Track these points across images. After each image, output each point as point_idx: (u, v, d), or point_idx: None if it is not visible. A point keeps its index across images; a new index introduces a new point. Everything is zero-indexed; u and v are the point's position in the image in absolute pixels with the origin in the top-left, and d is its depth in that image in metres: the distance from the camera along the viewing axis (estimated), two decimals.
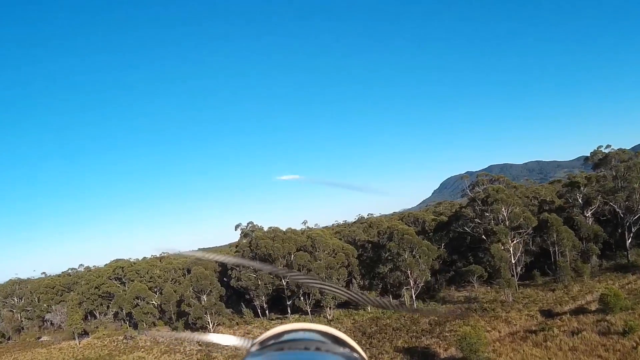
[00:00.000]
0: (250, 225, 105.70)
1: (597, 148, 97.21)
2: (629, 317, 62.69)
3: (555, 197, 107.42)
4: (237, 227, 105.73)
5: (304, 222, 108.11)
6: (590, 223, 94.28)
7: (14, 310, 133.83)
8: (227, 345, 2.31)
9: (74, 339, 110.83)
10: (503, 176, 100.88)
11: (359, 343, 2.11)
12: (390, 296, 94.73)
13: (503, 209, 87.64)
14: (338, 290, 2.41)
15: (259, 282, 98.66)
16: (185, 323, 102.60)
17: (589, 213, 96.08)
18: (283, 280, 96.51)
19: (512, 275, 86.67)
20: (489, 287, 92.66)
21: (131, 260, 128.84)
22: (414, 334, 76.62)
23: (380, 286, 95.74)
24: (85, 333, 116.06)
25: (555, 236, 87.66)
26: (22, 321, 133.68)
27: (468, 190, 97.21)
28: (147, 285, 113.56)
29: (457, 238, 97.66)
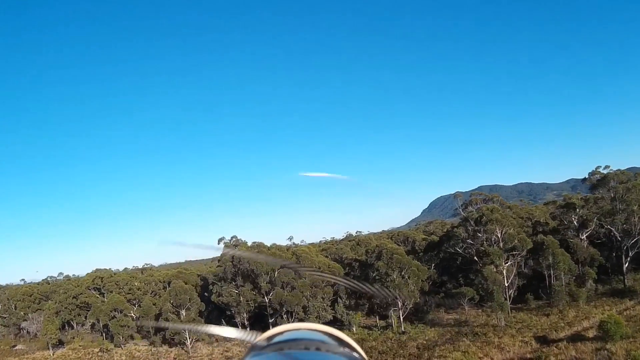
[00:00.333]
0: (234, 239, 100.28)
1: (596, 168, 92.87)
2: (630, 346, 58.41)
3: (549, 219, 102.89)
4: (220, 240, 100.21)
5: (290, 238, 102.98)
6: (585, 246, 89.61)
7: None
8: (231, 338, 2.43)
9: (49, 349, 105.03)
10: (497, 195, 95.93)
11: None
12: (377, 317, 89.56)
13: (497, 230, 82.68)
14: (347, 282, 2.66)
15: (241, 299, 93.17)
16: (163, 338, 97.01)
17: (584, 236, 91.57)
18: (266, 298, 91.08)
19: (505, 299, 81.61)
20: (480, 310, 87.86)
21: (112, 271, 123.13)
22: (401, 358, 71.42)
23: (367, 306, 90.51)
24: (60, 343, 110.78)
25: (551, 259, 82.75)
26: None
27: (461, 210, 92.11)
28: (125, 297, 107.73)
29: (448, 259, 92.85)
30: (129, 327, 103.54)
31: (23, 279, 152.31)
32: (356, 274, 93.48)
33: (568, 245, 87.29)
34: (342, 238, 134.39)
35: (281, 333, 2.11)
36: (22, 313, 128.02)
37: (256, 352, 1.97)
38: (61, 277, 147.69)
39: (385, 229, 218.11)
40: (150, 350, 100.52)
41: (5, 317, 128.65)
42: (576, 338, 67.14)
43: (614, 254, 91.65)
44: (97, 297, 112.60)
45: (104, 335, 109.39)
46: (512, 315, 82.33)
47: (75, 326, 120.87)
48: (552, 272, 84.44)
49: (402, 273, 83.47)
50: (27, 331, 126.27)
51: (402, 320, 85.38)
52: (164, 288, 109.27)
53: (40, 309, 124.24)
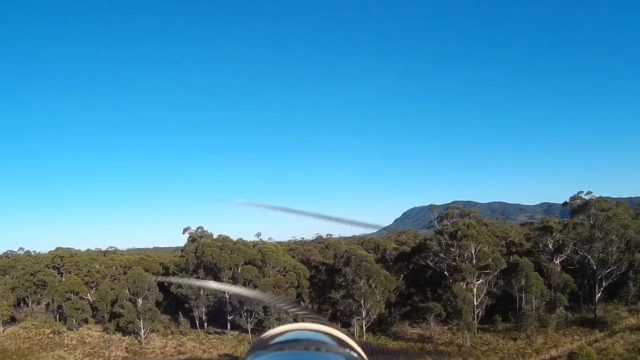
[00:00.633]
0: (199, 230, 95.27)
1: (578, 193, 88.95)
2: None
3: (524, 240, 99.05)
4: (185, 230, 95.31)
5: (258, 235, 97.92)
6: (559, 271, 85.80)
7: None
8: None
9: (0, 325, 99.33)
10: (474, 211, 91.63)
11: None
12: (339, 324, 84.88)
13: (472, 246, 78.46)
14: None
15: (201, 292, 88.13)
16: (117, 325, 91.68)
17: (558, 261, 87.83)
18: (226, 294, 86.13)
19: (473, 318, 77.46)
20: (445, 327, 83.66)
21: (73, 250, 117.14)
22: None
23: (330, 312, 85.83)
24: (13, 320, 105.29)
25: (523, 281, 78.65)
26: None
27: (435, 222, 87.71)
28: (83, 280, 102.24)
29: (418, 271, 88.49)
30: (83, 310, 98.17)
31: None
32: (322, 278, 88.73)
33: (541, 268, 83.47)
34: (312, 239, 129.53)
35: (282, 333, 2.12)
36: None
37: (257, 352, 1.96)
38: (21, 252, 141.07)
39: (357, 234, 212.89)
40: (103, 337, 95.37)
41: None
42: None
43: (587, 282, 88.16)
44: (55, 277, 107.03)
45: (57, 316, 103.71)
46: (478, 335, 78.60)
47: (30, 304, 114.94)
48: (523, 295, 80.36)
49: (370, 281, 79.00)
50: None
51: (364, 330, 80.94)
52: (124, 273, 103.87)
53: None
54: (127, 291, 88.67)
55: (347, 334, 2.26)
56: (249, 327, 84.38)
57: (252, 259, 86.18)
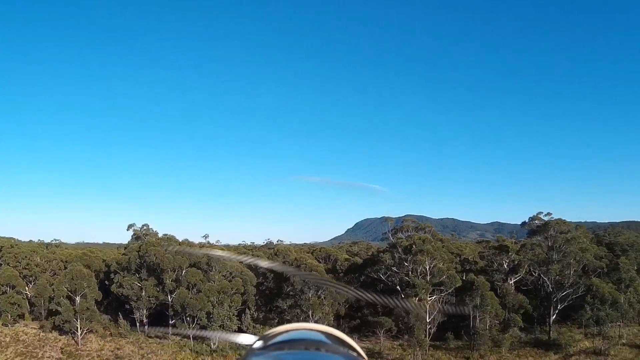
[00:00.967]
0: (144, 227, 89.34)
1: (537, 214, 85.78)
2: None
3: (477, 258, 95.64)
4: (129, 227, 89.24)
5: (205, 236, 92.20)
6: (513, 291, 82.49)
7: None
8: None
9: None
10: (430, 226, 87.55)
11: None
12: None
13: (427, 262, 74.34)
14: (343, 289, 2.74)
15: (142, 293, 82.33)
16: (53, 324, 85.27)
17: (512, 281, 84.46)
18: (169, 296, 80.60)
19: (425, 335, 73.37)
20: (396, 343, 79.51)
21: (15, 241, 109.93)
22: None
23: (277, 321, 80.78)
24: None
25: (478, 300, 74.81)
26: None
27: (390, 235, 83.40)
28: (21, 273, 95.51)
29: (369, 283, 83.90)
30: (19, 305, 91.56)
31: None
32: (270, 286, 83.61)
33: (494, 288, 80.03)
34: (262, 244, 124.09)
35: (282, 333, 2.07)
36: None
37: (257, 352, 1.93)
38: None
39: (308, 242, 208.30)
40: (39, 335, 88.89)
41: None
42: None
43: (541, 304, 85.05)
44: None
45: None
46: (430, 353, 74.89)
47: None
48: (477, 313, 76.54)
49: (319, 292, 74.25)
50: None
51: None
52: (66, 268, 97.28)
53: None
54: (65, 288, 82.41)
55: (347, 334, 2.12)
56: (191, 333, 78.99)
57: (197, 262, 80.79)
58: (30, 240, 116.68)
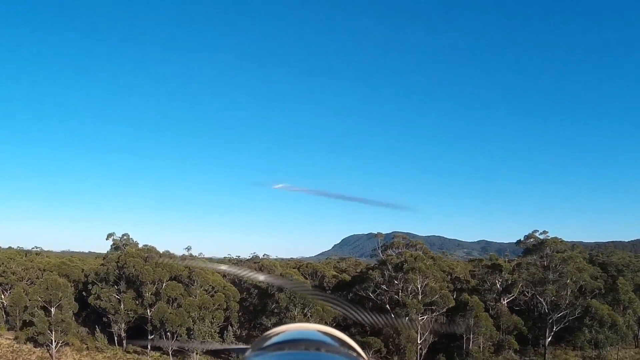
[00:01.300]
0: (125, 237, 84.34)
1: (532, 232, 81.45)
2: None
3: (469, 277, 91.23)
4: (109, 236, 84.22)
5: (188, 248, 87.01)
6: (507, 312, 78.10)
7: None
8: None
9: None
10: (422, 242, 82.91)
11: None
12: None
13: (418, 280, 69.69)
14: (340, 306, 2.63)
15: (121, 306, 77.15)
16: (27, 335, 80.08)
17: (505, 301, 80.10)
18: (148, 310, 75.49)
19: (416, 357, 68.72)
20: None
21: None
22: None
23: None
24: None
25: (472, 321, 70.24)
26: None
27: (380, 251, 78.70)
28: None
29: (357, 302, 79.14)
30: None
31: None
32: (254, 302, 78.49)
33: (487, 308, 75.62)
34: (248, 258, 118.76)
35: (281, 333, 2.06)
36: None
37: (257, 351, 1.92)
38: None
39: (294, 256, 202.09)
40: (12, 346, 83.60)
41: None
42: None
43: (536, 325, 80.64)
44: None
45: None
46: None
47: None
48: (471, 335, 71.90)
49: (305, 310, 69.38)
50: None
51: None
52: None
53: None
54: (39, 298, 77.28)
55: (347, 335, 2.11)
56: (170, 349, 73.89)
57: (179, 275, 75.70)
58: (9, 247, 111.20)
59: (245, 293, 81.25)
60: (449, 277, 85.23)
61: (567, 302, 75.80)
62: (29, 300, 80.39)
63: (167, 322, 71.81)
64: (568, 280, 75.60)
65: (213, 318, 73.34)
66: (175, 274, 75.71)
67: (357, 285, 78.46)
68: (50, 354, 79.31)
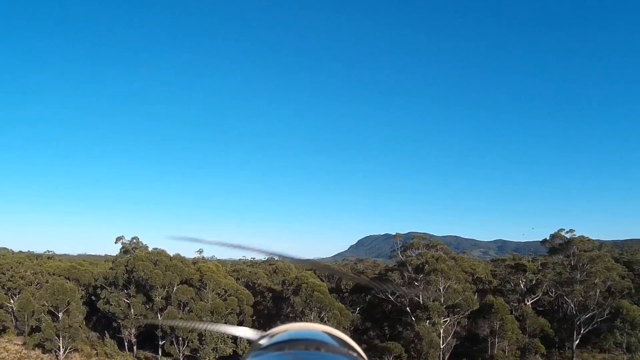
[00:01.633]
0: (134, 240, 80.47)
1: (558, 231, 76.65)
2: None
3: (490, 277, 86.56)
4: (118, 239, 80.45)
5: (200, 251, 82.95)
6: (532, 314, 73.45)
7: None
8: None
9: None
10: (442, 243, 78.29)
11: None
12: None
13: (440, 282, 65.12)
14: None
15: (130, 311, 73.20)
16: (35, 341, 76.65)
17: (529, 302, 75.46)
18: (159, 315, 71.47)
19: None
20: None
21: (3, 251, 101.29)
22: None
23: None
24: None
25: (497, 325, 65.67)
26: None
27: (399, 252, 74.12)
28: (5, 285, 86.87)
29: (376, 304, 74.82)
30: (0, 320, 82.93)
31: None
32: (268, 305, 74.24)
33: (511, 310, 71.04)
34: (263, 260, 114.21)
35: (282, 332, 1.99)
36: None
37: (257, 351, 1.86)
38: None
39: (311, 257, 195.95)
40: (20, 352, 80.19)
41: None
42: None
43: (562, 327, 75.93)
44: None
45: None
46: None
47: None
48: (496, 340, 67.26)
49: (322, 314, 65.03)
50: None
51: None
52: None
53: None
54: (46, 303, 73.59)
55: (347, 335, 2.03)
56: (181, 355, 69.86)
57: (190, 279, 71.54)
58: (20, 251, 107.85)
59: (259, 297, 77.11)
60: (471, 277, 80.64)
61: (595, 302, 71.21)
62: (36, 305, 76.98)
63: (177, 328, 67.84)
64: (596, 280, 70.82)
65: (226, 323, 69.11)
66: (186, 278, 71.60)
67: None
68: None
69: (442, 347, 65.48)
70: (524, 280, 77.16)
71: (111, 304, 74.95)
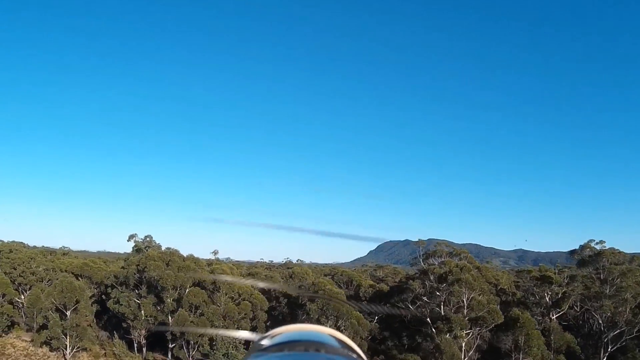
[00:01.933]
0: (147, 239, 77.17)
1: (588, 242, 72.15)
2: None
3: (513, 288, 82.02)
4: (130, 237, 77.18)
5: (214, 252, 79.41)
6: (559, 329, 68.93)
7: None
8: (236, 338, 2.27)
9: None
10: (466, 251, 73.91)
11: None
12: None
13: (464, 293, 60.99)
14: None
15: (140, 312, 69.86)
16: (42, 339, 73.77)
17: (554, 316, 70.95)
18: (169, 318, 68.10)
19: None
20: None
21: (21, 244, 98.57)
22: None
23: None
24: None
25: (522, 340, 61.36)
26: None
27: (421, 260, 69.89)
28: (16, 280, 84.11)
29: (395, 314, 70.74)
30: (9, 315, 79.99)
31: None
32: (283, 311, 70.42)
33: (536, 325, 66.62)
34: (281, 263, 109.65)
35: (282, 333, 2.02)
36: None
37: (257, 352, 1.87)
38: None
39: (329, 262, 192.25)
40: (27, 349, 77.49)
41: None
42: None
43: (588, 343, 71.29)
44: None
45: None
46: None
47: None
48: (521, 355, 62.87)
49: (339, 323, 61.11)
50: None
51: None
52: None
53: None
54: (52, 301, 70.52)
55: (348, 336, 2.06)
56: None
57: (203, 281, 67.93)
58: (35, 246, 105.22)
59: (274, 302, 73.35)
60: (495, 289, 76.17)
61: (624, 319, 66.64)
62: (45, 302, 73.99)
63: (185, 333, 64.45)
64: (627, 295, 66.24)
65: (238, 328, 65.54)
66: (198, 280, 68.01)
67: (396, 296, 69.88)
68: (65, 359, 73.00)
69: None
70: (550, 292, 72.74)
71: (121, 304, 71.72)
